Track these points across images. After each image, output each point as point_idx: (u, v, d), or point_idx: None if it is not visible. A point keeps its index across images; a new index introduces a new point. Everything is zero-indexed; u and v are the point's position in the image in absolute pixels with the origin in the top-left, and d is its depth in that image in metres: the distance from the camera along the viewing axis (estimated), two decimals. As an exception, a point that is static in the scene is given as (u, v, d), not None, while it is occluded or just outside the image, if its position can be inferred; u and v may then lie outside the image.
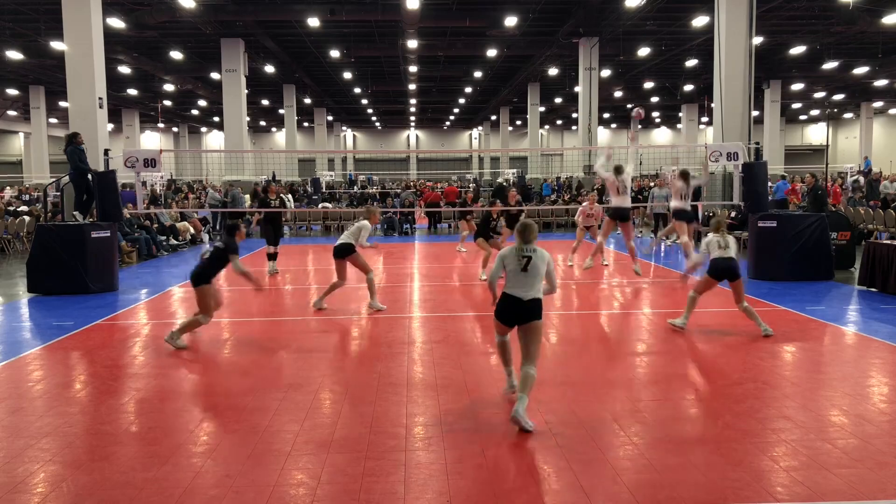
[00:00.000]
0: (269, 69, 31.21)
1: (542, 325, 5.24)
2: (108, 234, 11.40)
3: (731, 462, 4.39)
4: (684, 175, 11.56)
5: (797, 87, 37.85)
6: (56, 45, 21.85)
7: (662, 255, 15.59)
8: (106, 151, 12.76)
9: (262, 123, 58.13)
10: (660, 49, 28.60)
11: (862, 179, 23.37)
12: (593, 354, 7.34)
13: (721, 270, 7.58)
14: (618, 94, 40.09)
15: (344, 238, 9.28)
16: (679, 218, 11.74)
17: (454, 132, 66.06)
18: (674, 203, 11.88)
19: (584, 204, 14.33)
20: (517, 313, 5.20)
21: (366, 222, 9.34)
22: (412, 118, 58.77)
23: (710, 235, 7.77)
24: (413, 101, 47.05)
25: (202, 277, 7.50)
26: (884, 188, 20.70)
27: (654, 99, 43.96)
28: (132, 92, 36.91)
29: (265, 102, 44.54)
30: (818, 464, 4.34)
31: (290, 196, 27.73)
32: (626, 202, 11.55)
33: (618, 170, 11.39)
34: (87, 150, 12.40)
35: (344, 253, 9.21)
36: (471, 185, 36.81)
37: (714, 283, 7.77)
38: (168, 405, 5.66)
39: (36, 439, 4.88)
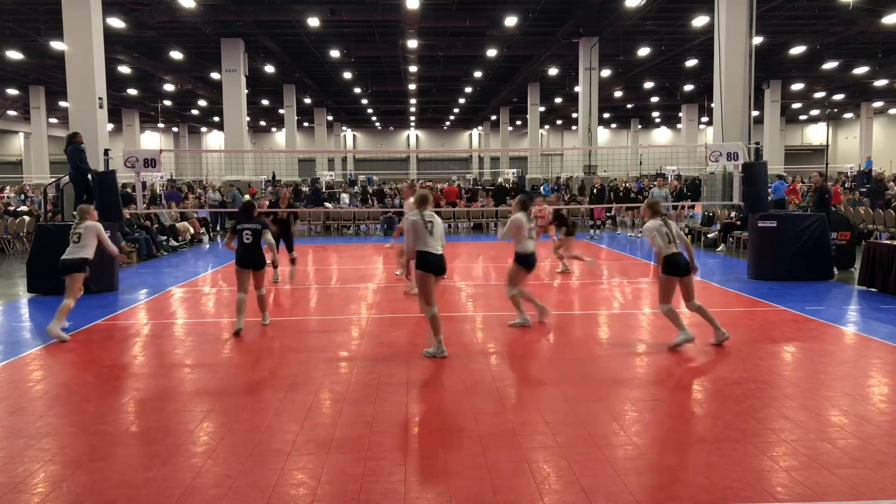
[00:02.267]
0: (269, 69, 31.22)
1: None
2: (108, 234, 11.37)
3: (731, 462, 4.38)
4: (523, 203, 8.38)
5: (797, 87, 37.86)
6: (56, 45, 21.86)
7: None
8: (106, 151, 12.76)
9: (262, 123, 58.16)
10: (660, 49, 28.61)
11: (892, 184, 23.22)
12: (593, 354, 7.33)
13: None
14: (618, 94, 40.10)
15: (74, 251, 7.92)
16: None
17: (454, 132, 66.08)
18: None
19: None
20: (436, 264, 6.89)
21: (90, 223, 8.14)
22: (412, 118, 58.78)
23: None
24: (413, 100, 47.05)
25: (261, 261, 8.26)
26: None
27: (654, 99, 43.97)
28: (132, 92, 36.93)
29: (265, 102, 44.56)
30: (818, 464, 4.34)
31: (345, 195, 27.65)
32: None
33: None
34: (87, 150, 12.40)
35: (72, 269, 7.87)
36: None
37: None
38: (168, 405, 5.66)
39: (36, 439, 4.88)
